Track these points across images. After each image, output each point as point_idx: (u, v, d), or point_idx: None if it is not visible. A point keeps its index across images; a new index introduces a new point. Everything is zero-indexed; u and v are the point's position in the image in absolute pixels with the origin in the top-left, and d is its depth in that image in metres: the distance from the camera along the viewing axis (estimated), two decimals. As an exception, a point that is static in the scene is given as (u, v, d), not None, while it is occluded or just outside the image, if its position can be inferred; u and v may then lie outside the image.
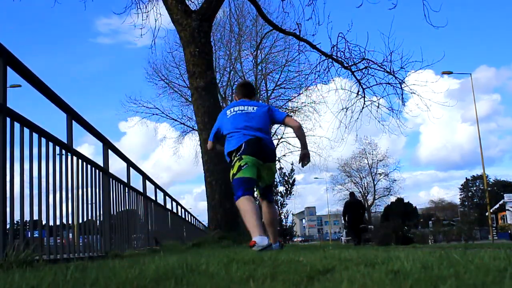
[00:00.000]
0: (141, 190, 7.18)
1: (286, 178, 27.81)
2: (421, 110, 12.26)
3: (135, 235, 6.64)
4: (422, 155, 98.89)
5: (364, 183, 48.51)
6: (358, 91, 12.69)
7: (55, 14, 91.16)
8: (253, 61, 27.93)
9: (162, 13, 12.30)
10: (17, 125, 3.14)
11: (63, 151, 3.88)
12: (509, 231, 32.73)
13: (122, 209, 5.81)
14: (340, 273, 1.73)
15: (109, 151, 5.38)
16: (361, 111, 12.82)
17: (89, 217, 4.68)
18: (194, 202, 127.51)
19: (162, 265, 2.16)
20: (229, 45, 27.94)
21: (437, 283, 1.42)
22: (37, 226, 3.77)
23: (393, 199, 49.47)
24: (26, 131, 3.27)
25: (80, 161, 4.26)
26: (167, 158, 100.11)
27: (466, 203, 54.69)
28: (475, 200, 60.25)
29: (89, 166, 4.54)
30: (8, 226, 2.89)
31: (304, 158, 4.53)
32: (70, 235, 4.17)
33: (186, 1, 9.80)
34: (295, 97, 28.16)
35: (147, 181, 7.66)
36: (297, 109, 28.48)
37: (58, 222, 3.73)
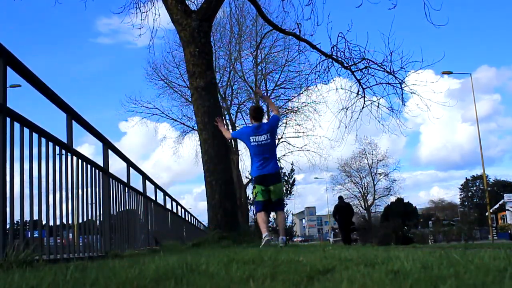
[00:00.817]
0: (141, 190, 7.18)
1: (286, 178, 27.84)
2: (421, 110, 12.22)
3: (135, 235, 6.64)
4: (422, 155, 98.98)
5: (364, 183, 48.38)
6: (358, 91, 12.68)
7: (55, 14, 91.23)
8: (253, 61, 27.93)
9: (160, 13, 12.32)
10: (17, 125, 3.14)
11: (63, 151, 3.88)
12: (509, 231, 32.73)
13: (122, 209, 5.81)
14: (340, 273, 1.73)
15: (109, 151, 5.38)
16: (361, 111, 12.80)
17: (89, 217, 4.68)
18: (194, 202, 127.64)
19: (162, 265, 2.16)
20: (229, 45, 27.93)
21: (437, 283, 1.42)
22: (37, 226, 3.77)
23: (393, 199, 49.36)
24: (26, 131, 3.27)
25: (80, 161, 4.26)
26: (167, 158, 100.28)
27: (466, 203, 54.64)
28: (475, 200, 60.22)
29: (89, 166, 4.54)
30: (8, 226, 2.89)
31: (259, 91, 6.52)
32: (70, 235, 4.17)
33: (186, 1, 9.79)
34: (295, 97, 28.14)
35: (147, 181, 7.67)
36: (297, 109, 28.49)
37: (58, 222, 3.73)
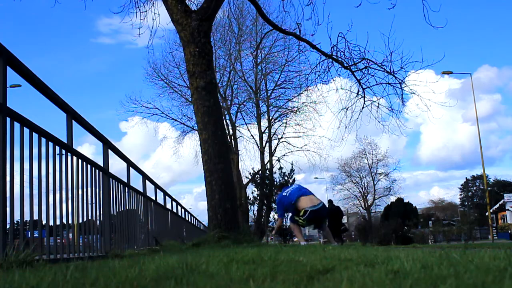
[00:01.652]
0: (141, 190, 7.18)
1: (286, 178, 27.83)
2: (421, 110, 12.23)
3: (135, 235, 6.64)
4: (423, 155, 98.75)
5: (364, 183, 48.36)
6: (358, 91, 12.67)
7: (55, 14, 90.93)
8: (253, 61, 27.95)
9: (160, 13, 12.33)
10: (17, 125, 3.14)
11: (63, 151, 3.88)
12: (509, 231, 32.74)
13: (122, 209, 5.81)
14: (340, 273, 1.73)
15: (109, 151, 5.38)
16: (361, 111, 12.79)
17: (89, 217, 4.68)
18: (194, 202, 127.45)
19: (162, 265, 2.16)
20: (229, 45, 27.97)
21: (437, 283, 1.42)
22: (37, 226, 3.77)
23: (393, 199, 49.37)
24: (26, 131, 3.27)
25: (80, 161, 4.26)
26: (167, 158, 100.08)
27: (466, 203, 54.55)
28: (475, 200, 60.19)
29: (89, 166, 4.54)
30: (8, 226, 2.89)
31: None
32: (70, 235, 4.17)
33: (186, 1, 9.79)
34: (295, 97, 28.19)
35: (147, 181, 7.67)
36: (297, 109, 28.52)
37: (58, 222, 3.73)
